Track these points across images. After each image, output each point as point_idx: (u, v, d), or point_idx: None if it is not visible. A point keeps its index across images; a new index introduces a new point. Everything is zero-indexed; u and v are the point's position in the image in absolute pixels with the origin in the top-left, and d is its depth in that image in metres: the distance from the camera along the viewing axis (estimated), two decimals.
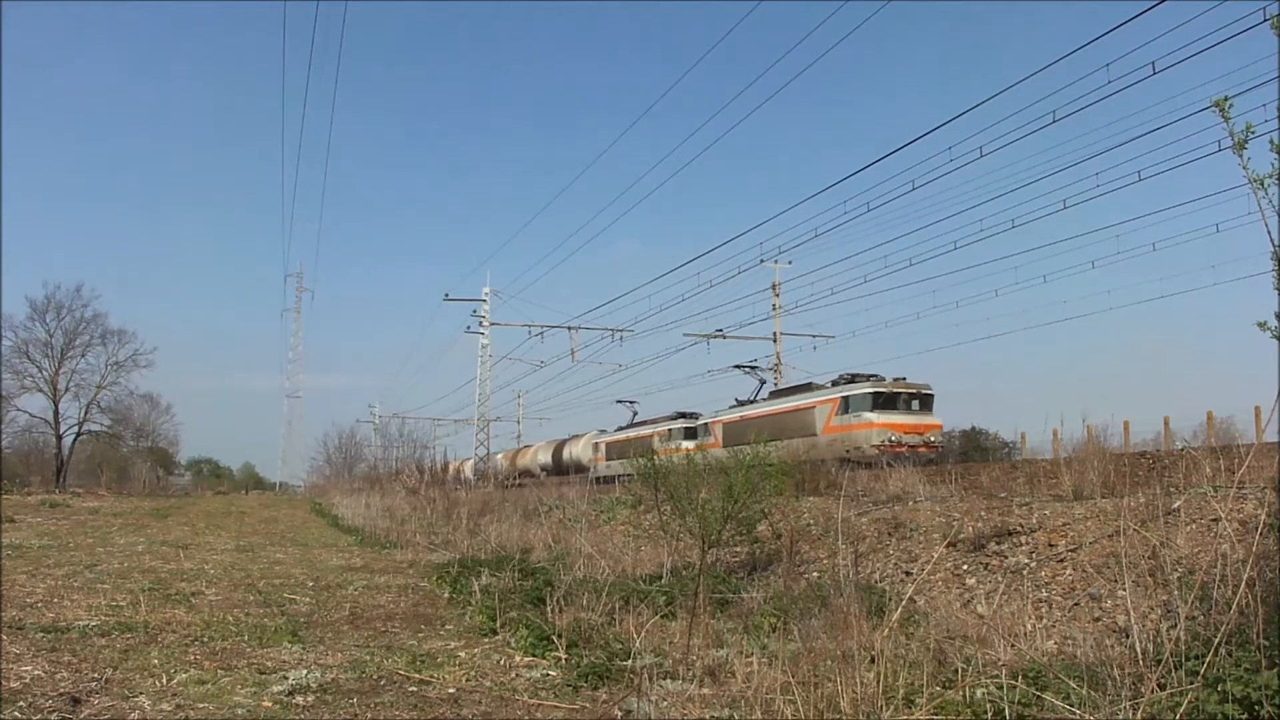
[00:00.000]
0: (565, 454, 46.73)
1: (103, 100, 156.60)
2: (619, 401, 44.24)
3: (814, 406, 27.14)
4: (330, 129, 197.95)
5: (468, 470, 53.23)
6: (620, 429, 41.77)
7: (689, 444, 31.45)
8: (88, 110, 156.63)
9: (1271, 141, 4.33)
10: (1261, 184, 4.38)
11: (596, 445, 42.38)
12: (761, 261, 31.17)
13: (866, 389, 25.51)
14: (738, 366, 35.40)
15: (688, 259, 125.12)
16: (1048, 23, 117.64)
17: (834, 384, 27.55)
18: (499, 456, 55.63)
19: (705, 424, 33.60)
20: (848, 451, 24.40)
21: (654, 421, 38.11)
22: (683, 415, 36.37)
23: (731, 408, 33.05)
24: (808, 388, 29.21)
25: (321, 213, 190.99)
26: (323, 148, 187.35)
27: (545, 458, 49.46)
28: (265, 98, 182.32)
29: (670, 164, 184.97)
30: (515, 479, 44.86)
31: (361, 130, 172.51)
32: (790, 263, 36.05)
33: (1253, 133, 4.61)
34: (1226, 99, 4.65)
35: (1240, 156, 4.50)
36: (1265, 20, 7.59)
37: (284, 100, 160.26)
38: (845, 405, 25.78)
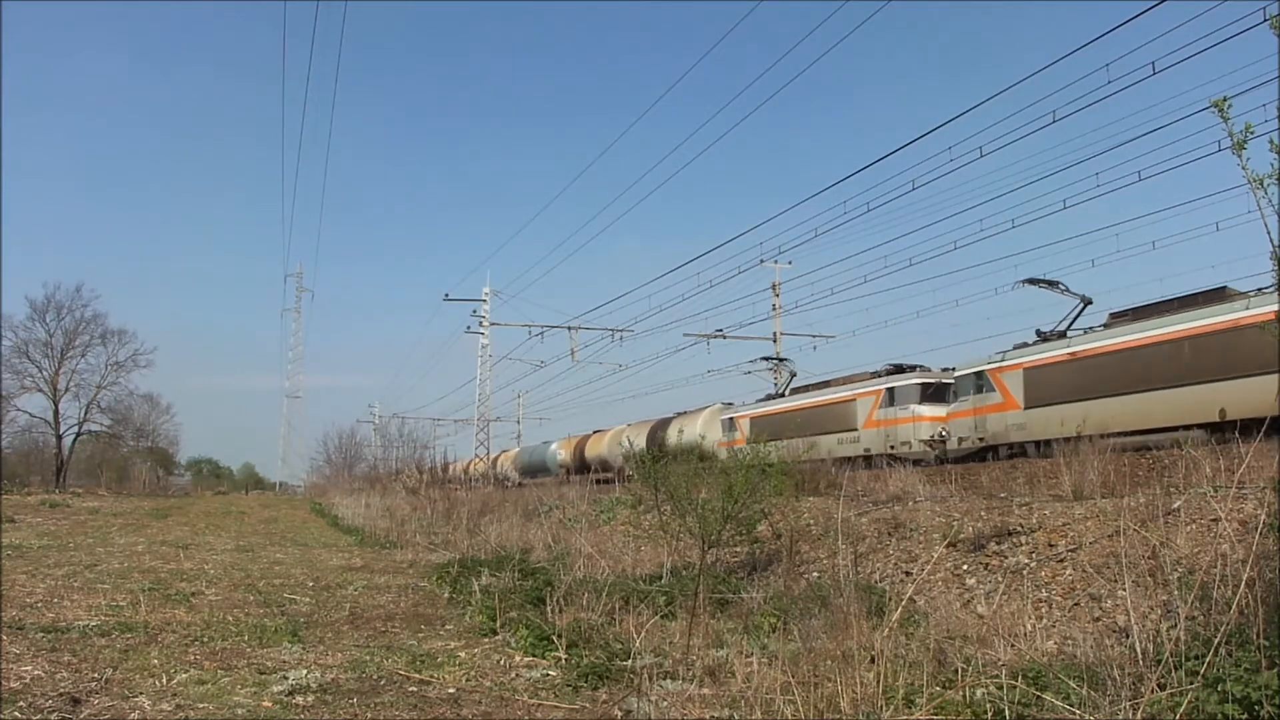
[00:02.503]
0: (671, 436, 31.47)
1: (102, 98, 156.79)
2: (764, 359, 33.09)
3: (1239, 326, 14.71)
4: (330, 129, 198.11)
5: (507, 464, 49.99)
6: (770, 398, 29.88)
7: (932, 411, 22.26)
8: (86, 108, 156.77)
9: (1271, 141, 4.34)
10: (1261, 184, 4.39)
11: (732, 422, 29.73)
12: (761, 261, 30.88)
13: None
14: (1030, 281, 21.16)
15: (688, 259, 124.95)
16: (1048, 23, 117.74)
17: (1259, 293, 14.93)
18: (554, 445, 46.89)
19: (978, 374, 20.55)
20: None
21: (846, 382, 26.01)
22: (901, 369, 24.39)
23: (1020, 347, 20.09)
24: (1193, 301, 16.67)
25: (322, 212, 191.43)
26: (323, 147, 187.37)
27: (637, 443, 33.40)
28: (265, 96, 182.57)
29: (671, 163, 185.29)
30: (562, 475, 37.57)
31: (361, 130, 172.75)
32: (790, 263, 35.61)
33: (1252, 133, 4.62)
34: (1226, 99, 4.65)
35: (1240, 157, 4.50)
36: (1265, 20, 7.59)
37: (284, 100, 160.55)
38: None
